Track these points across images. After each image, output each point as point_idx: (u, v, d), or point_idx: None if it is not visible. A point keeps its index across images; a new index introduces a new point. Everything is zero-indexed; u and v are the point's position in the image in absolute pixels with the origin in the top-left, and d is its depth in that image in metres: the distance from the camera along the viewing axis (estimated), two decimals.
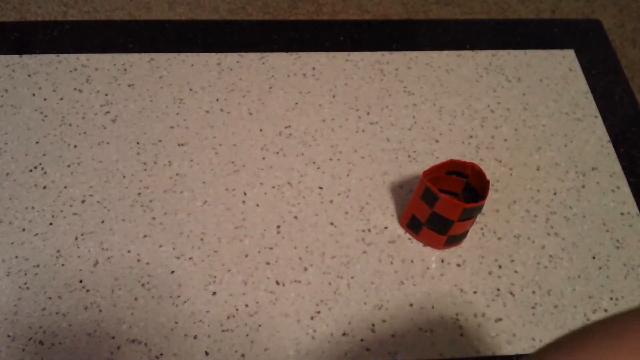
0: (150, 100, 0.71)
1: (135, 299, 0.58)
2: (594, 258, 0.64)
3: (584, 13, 1.83)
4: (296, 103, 0.72)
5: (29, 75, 0.72)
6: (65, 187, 0.64)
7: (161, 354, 0.55)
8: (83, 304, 0.57)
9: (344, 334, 0.58)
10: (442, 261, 0.62)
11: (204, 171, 0.66)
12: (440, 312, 0.59)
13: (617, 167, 0.71)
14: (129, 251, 0.60)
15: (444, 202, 0.57)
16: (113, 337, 0.56)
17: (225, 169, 0.66)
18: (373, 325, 0.58)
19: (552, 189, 0.68)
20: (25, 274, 0.58)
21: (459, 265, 0.62)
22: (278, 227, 0.63)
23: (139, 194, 0.64)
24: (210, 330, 0.57)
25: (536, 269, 0.63)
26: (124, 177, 0.65)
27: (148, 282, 0.59)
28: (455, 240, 0.62)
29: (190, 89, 0.72)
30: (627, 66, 1.72)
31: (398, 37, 0.79)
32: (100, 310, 0.57)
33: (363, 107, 0.72)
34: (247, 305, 0.58)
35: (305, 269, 0.61)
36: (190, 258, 0.61)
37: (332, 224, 0.63)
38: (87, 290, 0.58)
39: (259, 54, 0.76)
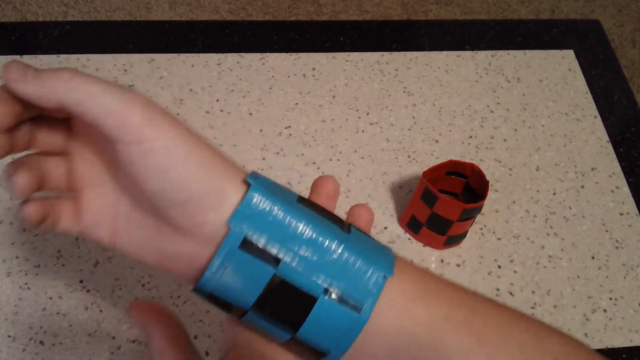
0: None
1: (136, 299, 0.58)
2: (593, 258, 0.64)
3: (584, 13, 1.83)
4: (296, 103, 0.72)
5: None
6: None
7: None
8: (83, 304, 0.57)
9: None
10: (442, 261, 0.63)
11: None
12: None
13: (616, 167, 0.71)
14: None
15: (443, 202, 0.57)
16: (113, 337, 0.56)
17: None
18: None
19: (551, 189, 0.69)
20: (26, 274, 0.59)
21: (458, 265, 0.63)
22: None
23: None
24: (210, 330, 0.57)
25: (535, 269, 0.63)
26: None
27: (148, 282, 0.59)
28: (454, 240, 0.62)
29: (191, 90, 0.72)
30: (627, 66, 1.72)
31: (398, 37, 0.80)
32: (101, 310, 0.57)
33: (363, 108, 0.73)
34: None
35: None
36: None
37: None
38: (88, 291, 0.58)
39: (259, 54, 0.76)
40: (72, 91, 0.26)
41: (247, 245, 0.28)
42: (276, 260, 0.28)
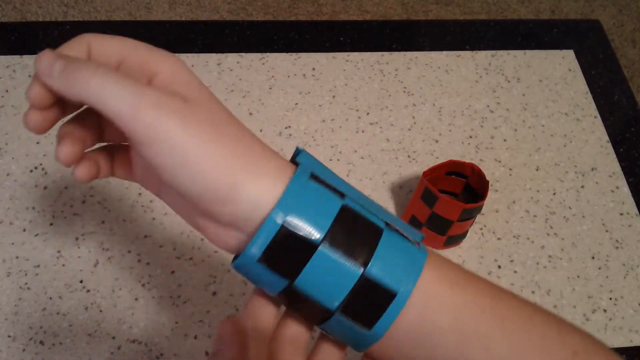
0: None
1: (136, 299, 0.58)
2: (593, 258, 0.64)
3: (584, 13, 1.83)
4: (296, 103, 0.72)
5: (30, 76, 0.72)
6: (65, 187, 0.64)
7: (161, 354, 0.56)
8: (83, 304, 0.57)
9: None
10: None
11: None
12: None
13: (616, 167, 0.71)
14: (129, 251, 0.61)
15: (443, 202, 0.57)
16: (113, 337, 0.56)
17: None
18: None
19: (551, 189, 0.69)
20: (26, 274, 0.59)
21: None
22: None
23: (140, 194, 0.64)
24: (210, 330, 0.57)
25: (535, 269, 0.63)
26: None
27: (148, 282, 0.59)
28: (454, 240, 0.62)
29: None
30: (627, 66, 1.72)
31: (398, 37, 0.80)
32: (101, 311, 0.57)
33: (363, 108, 0.73)
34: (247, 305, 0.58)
35: None
36: (190, 258, 0.61)
37: None
38: (88, 291, 0.58)
39: (259, 54, 0.76)
40: (90, 91, 0.27)
41: (315, 178, 0.29)
42: (341, 194, 0.29)
